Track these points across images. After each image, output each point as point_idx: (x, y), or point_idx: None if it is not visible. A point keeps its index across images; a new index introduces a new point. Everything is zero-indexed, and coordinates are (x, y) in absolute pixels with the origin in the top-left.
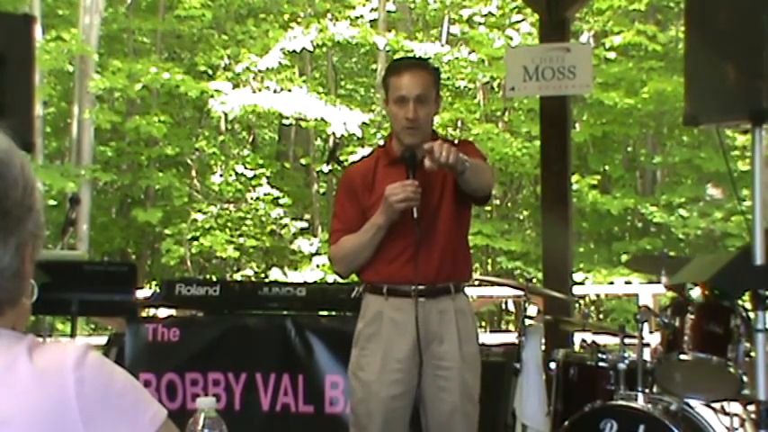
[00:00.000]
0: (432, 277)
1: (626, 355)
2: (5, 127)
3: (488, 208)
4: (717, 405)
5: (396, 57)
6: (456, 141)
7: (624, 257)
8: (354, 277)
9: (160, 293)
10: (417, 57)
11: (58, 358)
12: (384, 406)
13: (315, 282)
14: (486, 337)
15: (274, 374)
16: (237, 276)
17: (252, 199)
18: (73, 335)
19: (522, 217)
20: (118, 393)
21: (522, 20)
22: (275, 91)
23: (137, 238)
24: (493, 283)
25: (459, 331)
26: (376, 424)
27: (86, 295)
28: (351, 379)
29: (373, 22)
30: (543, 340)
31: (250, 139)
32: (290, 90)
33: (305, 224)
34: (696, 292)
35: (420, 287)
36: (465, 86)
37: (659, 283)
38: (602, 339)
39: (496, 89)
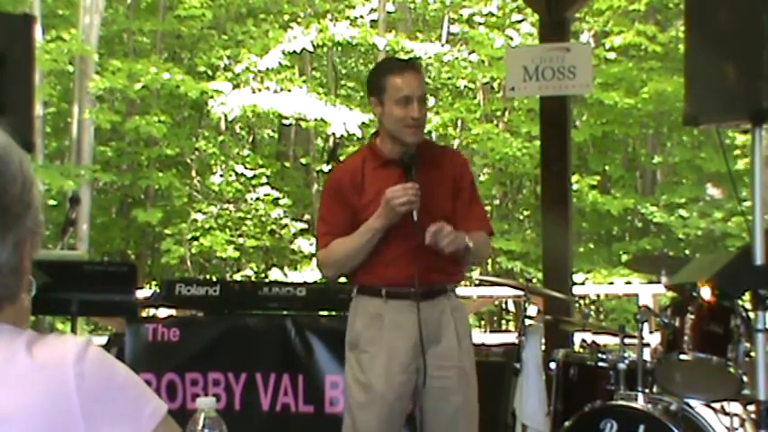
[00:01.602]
0: (430, 279)
1: (626, 355)
2: (5, 125)
3: (488, 208)
4: (717, 405)
5: (396, 57)
6: (455, 146)
7: (624, 257)
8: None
9: (160, 293)
10: (408, 57)
11: (58, 353)
12: (388, 409)
13: (315, 282)
14: (486, 337)
15: (274, 374)
16: (237, 276)
17: (252, 199)
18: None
19: (522, 217)
20: (119, 388)
21: (522, 20)
22: (275, 91)
23: (137, 239)
24: (493, 283)
25: (456, 329)
26: (377, 426)
27: (86, 295)
28: (349, 383)
29: (373, 23)
30: (543, 340)
31: (250, 139)
32: (289, 90)
33: (305, 224)
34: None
35: (420, 289)
36: (465, 86)
37: (659, 283)
38: (602, 339)
39: (496, 89)
